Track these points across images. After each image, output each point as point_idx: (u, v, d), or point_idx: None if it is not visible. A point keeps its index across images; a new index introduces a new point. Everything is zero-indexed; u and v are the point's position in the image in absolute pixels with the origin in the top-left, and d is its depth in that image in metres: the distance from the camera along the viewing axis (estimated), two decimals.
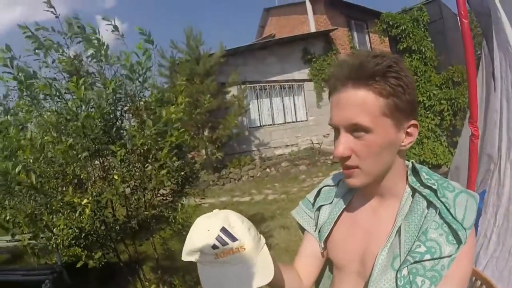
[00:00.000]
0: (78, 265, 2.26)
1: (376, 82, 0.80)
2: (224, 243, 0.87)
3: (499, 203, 1.83)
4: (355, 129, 0.83)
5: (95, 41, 2.34)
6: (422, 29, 7.58)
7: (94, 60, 2.42)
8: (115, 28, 2.38)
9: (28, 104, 2.28)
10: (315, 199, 1.19)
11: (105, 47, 2.38)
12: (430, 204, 0.88)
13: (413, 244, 0.85)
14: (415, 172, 0.95)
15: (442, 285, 0.81)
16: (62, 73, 2.39)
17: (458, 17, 1.93)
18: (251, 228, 0.92)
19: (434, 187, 0.88)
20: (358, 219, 1.03)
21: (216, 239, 0.86)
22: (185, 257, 0.92)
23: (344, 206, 1.07)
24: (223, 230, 0.87)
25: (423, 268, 0.82)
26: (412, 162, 0.98)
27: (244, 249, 0.88)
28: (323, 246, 1.10)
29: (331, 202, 1.12)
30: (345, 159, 0.87)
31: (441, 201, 0.85)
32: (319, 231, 1.11)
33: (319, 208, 1.14)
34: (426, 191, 0.89)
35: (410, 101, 0.84)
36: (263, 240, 0.96)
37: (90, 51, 2.37)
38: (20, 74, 2.17)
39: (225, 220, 0.90)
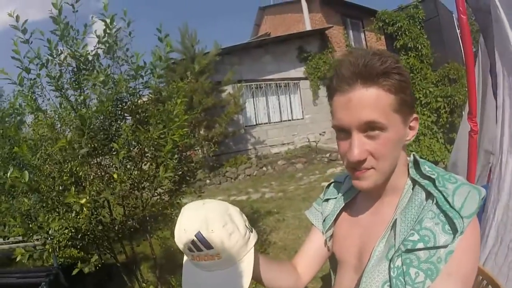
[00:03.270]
0: (74, 273, 2.24)
1: (384, 80, 0.79)
2: (198, 249, 0.83)
3: (499, 197, 1.83)
4: (370, 128, 0.81)
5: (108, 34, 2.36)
6: (418, 27, 7.59)
7: (109, 56, 2.41)
8: (127, 23, 2.40)
9: (29, 96, 2.25)
10: (324, 194, 1.22)
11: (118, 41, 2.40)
12: (429, 194, 0.87)
13: (408, 233, 0.84)
14: (416, 165, 0.95)
15: (441, 282, 0.78)
16: (69, 67, 2.37)
17: (456, 14, 1.93)
18: (234, 233, 0.86)
19: (433, 176, 0.87)
20: (359, 216, 1.04)
21: (191, 243, 0.83)
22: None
23: (347, 201, 1.09)
24: (199, 235, 0.82)
25: (417, 259, 0.80)
26: (413, 155, 0.97)
27: (220, 258, 0.85)
28: (327, 237, 1.12)
29: (336, 197, 1.14)
30: (361, 163, 0.85)
31: (439, 190, 0.84)
32: (324, 221, 1.14)
33: (326, 200, 1.18)
34: (425, 182, 0.89)
35: (411, 95, 0.86)
36: (250, 244, 0.91)
37: (103, 46, 2.37)
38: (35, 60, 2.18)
39: (204, 222, 0.83)
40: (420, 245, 0.80)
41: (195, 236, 0.82)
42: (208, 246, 0.82)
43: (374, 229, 0.96)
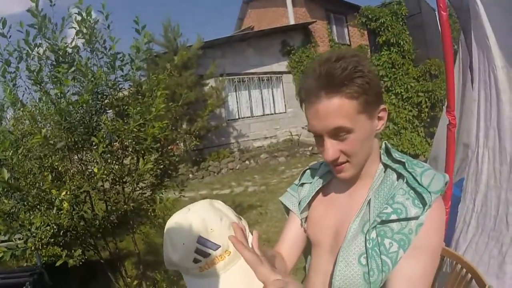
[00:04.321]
0: (58, 264, 2.20)
1: (346, 87, 0.85)
2: (206, 255, 0.77)
3: (477, 189, 1.89)
4: (338, 132, 0.89)
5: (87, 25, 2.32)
6: (401, 23, 7.66)
7: (88, 49, 2.37)
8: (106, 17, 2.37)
9: (8, 90, 2.20)
10: (300, 180, 1.27)
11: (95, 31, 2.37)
12: (399, 176, 0.96)
13: (382, 208, 0.92)
14: (388, 152, 1.04)
15: (412, 255, 0.86)
16: (47, 61, 2.32)
17: (436, 10, 1.96)
18: (231, 223, 0.81)
19: (403, 160, 0.97)
20: (335, 199, 1.11)
21: (195, 252, 0.76)
22: (168, 267, 0.84)
23: (323, 184, 1.16)
24: (200, 240, 0.76)
25: (391, 230, 0.89)
26: (385, 143, 1.06)
27: (230, 252, 0.79)
28: (302, 218, 1.18)
29: (311, 182, 1.21)
30: (335, 160, 0.93)
31: (408, 172, 0.94)
32: (299, 204, 1.20)
33: (302, 185, 1.24)
34: (396, 165, 0.98)
35: (377, 92, 0.93)
36: (247, 230, 0.87)
37: (82, 40, 2.33)
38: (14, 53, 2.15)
39: (201, 225, 0.77)
40: (394, 216, 0.89)
41: (197, 243, 0.76)
42: (215, 245, 0.77)
43: (349, 209, 1.03)
